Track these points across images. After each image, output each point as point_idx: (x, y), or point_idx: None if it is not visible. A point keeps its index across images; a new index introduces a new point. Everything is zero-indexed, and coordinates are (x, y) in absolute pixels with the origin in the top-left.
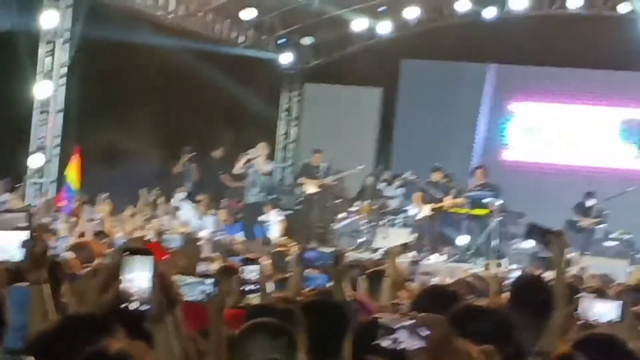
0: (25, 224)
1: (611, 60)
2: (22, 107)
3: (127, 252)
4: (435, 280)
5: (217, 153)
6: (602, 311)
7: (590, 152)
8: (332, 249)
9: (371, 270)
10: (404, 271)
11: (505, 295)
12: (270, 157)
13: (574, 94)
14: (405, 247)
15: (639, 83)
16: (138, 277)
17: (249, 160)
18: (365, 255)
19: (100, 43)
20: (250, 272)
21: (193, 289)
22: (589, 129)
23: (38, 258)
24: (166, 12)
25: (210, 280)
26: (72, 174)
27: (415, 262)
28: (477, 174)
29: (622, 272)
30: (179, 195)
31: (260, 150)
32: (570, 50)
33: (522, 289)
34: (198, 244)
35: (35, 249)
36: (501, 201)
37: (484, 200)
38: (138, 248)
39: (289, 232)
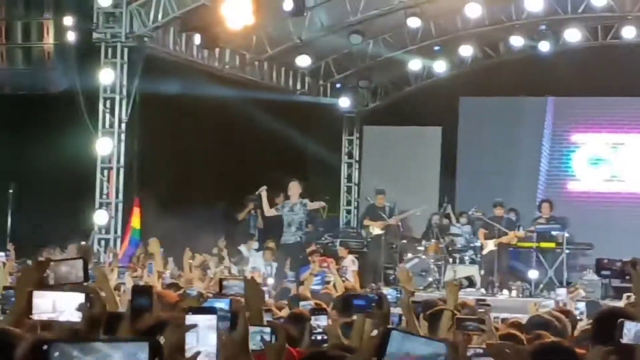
0: (81, 279)
1: None
2: (84, 164)
3: (190, 312)
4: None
5: (280, 200)
6: None
7: None
8: (375, 293)
9: (431, 310)
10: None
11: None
12: (302, 195)
13: (634, 122)
14: (469, 281)
15: None
16: (203, 338)
17: (286, 198)
18: (436, 295)
19: (158, 97)
20: (319, 320)
21: (253, 338)
22: None
23: (95, 320)
24: (222, 63)
25: (268, 329)
26: (136, 223)
27: (482, 302)
28: (544, 207)
29: None
30: (252, 244)
31: (293, 190)
32: (627, 79)
33: (605, 321)
34: (261, 288)
35: (92, 311)
36: (567, 234)
37: (552, 233)
38: (201, 307)
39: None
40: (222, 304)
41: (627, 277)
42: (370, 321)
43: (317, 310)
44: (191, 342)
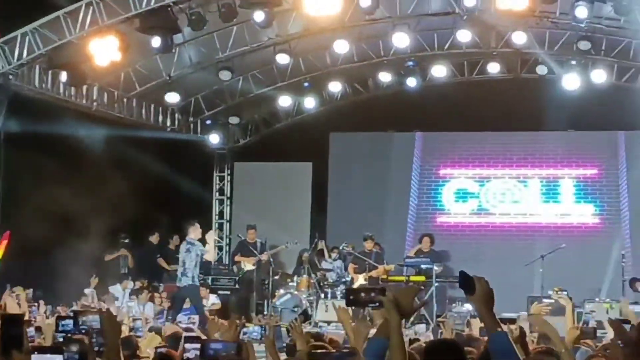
0: None
1: (532, 122)
2: None
3: (35, 352)
4: None
5: (154, 238)
6: None
7: (520, 211)
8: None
9: None
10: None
11: None
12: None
13: (500, 157)
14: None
15: (559, 142)
16: None
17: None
18: (309, 330)
19: (24, 135)
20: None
21: None
22: (516, 189)
23: None
24: (89, 100)
25: None
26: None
27: None
28: (424, 241)
29: (560, 329)
30: (127, 284)
31: (193, 234)
32: (492, 114)
33: (434, 352)
34: (118, 322)
35: None
36: (437, 268)
37: (422, 267)
38: (48, 347)
39: (228, 312)
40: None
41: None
42: None
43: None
44: None
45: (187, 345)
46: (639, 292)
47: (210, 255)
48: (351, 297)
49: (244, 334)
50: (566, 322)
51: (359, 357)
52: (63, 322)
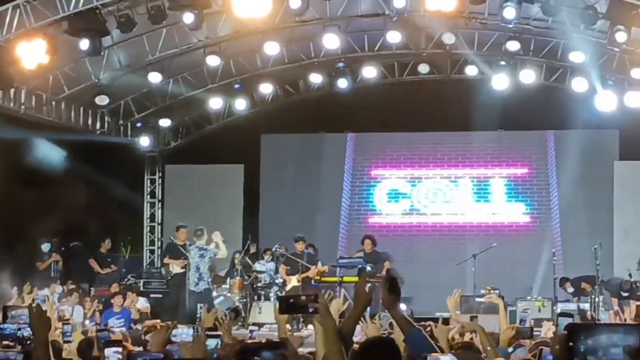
0: None
1: (463, 122)
2: None
3: None
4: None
5: (76, 244)
6: None
7: (452, 211)
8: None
9: None
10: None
11: None
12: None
13: (431, 157)
14: (235, 313)
15: (490, 142)
16: None
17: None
18: (242, 332)
19: None
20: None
21: None
22: (447, 189)
23: None
24: (17, 104)
25: None
26: None
27: None
28: (366, 243)
29: (494, 327)
30: (55, 287)
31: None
32: (423, 115)
33: (367, 351)
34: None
35: None
36: (369, 267)
37: (357, 267)
38: None
39: (159, 316)
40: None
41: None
42: None
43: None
44: None
45: (107, 350)
46: (568, 292)
47: (223, 252)
48: (285, 305)
49: (174, 336)
50: (500, 321)
51: (290, 346)
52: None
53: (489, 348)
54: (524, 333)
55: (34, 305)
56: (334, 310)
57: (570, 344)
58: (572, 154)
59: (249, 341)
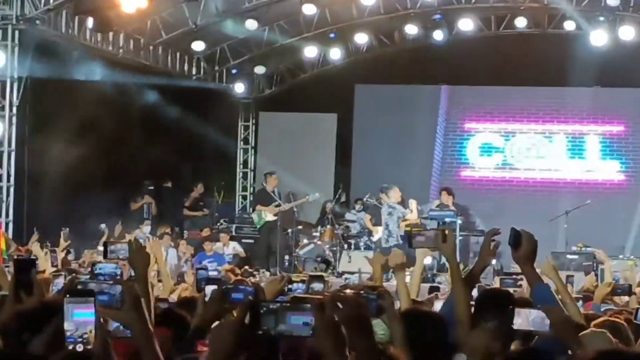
0: None
1: (559, 78)
2: None
3: (68, 295)
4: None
5: (167, 186)
6: None
7: (545, 167)
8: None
9: None
10: None
11: None
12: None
13: (525, 112)
14: (325, 264)
15: (586, 98)
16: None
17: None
18: (334, 280)
19: (51, 81)
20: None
21: None
22: (541, 144)
23: None
24: (116, 47)
25: None
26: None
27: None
28: (443, 194)
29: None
30: (145, 228)
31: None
32: (518, 69)
33: (484, 302)
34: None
35: None
36: (460, 221)
37: (446, 220)
38: (79, 290)
39: (250, 260)
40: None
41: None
42: None
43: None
44: (69, 328)
45: (208, 289)
46: None
47: (413, 216)
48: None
49: (289, 290)
50: (605, 275)
51: (388, 297)
52: (99, 266)
53: (568, 301)
54: (623, 289)
55: (133, 241)
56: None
57: None
58: None
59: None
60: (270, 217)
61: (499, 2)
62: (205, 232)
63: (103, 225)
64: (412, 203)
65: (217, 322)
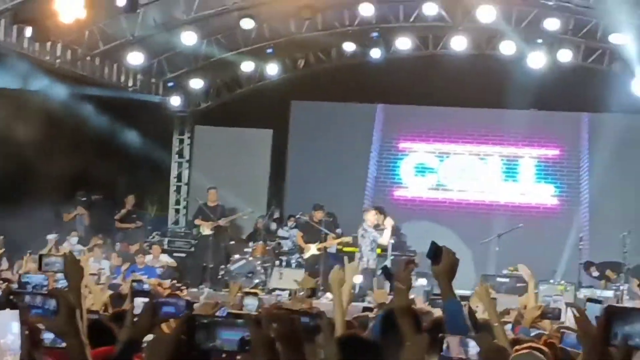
0: None
1: (496, 99)
2: None
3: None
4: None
5: (96, 198)
6: None
7: (479, 189)
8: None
9: None
10: None
11: None
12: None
13: (461, 133)
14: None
15: (522, 121)
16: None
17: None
18: (265, 297)
19: None
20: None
21: None
22: (475, 166)
23: None
24: (53, 57)
25: None
26: None
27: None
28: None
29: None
30: (72, 239)
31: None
32: (455, 90)
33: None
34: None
35: None
36: (392, 240)
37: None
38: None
39: (183, 275)
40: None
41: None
42: None
43: None
44: None
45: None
46: (592, 277)
47: (383, 240)
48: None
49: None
50: (528, 299)
51: (325, 316)
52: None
53: (496, 324)
54: (552, 314)
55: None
56: (351, 274)
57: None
58: (606, 138)
59: (285, 307)
60: (207, 231)
61: (437, 21)
62: (137, 244)
63: (51, 236)
64: (388, 221)
65: (149, 336)
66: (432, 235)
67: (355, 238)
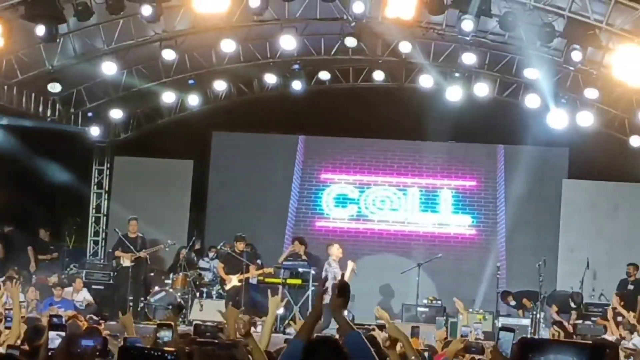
0: None
1: (415, 131)
2: None
3: None
4: None
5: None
6: None
7: (399, 219)
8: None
9: None
10: None
11: None
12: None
13: (381, 164)
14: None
15: (440, 153)
16: None
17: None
18: (183, 328)
19: None
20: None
21: None
22: (395, 197)
23: None
24: None
25: None
26: None
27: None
28: (295, 244)
29: (432, 337)
30: None
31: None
32: (375, 122)
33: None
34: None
35: None
36: (314, 271)
37: (299, 270)
38: None
39: (101, 307)
40: None
41: None
42: None
43: None
44: None
45: (51, 333)
46: (510, 306)
47: (346, 276)
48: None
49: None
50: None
51: (241, 347)
52: None
53: (413, 358)
54: (475, 349)
55: None
56: (274, 306)
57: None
58: (521, 170)
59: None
60: (127, 263)
61: (358, 54)
62: (53, 279)
63: None
64: (349, 266)
65: None
66: (357, 264)
67: (277, 269)
